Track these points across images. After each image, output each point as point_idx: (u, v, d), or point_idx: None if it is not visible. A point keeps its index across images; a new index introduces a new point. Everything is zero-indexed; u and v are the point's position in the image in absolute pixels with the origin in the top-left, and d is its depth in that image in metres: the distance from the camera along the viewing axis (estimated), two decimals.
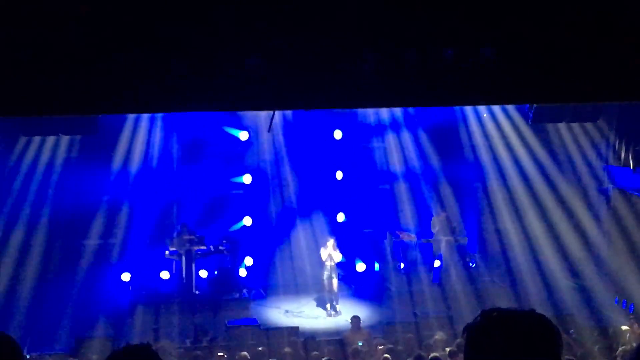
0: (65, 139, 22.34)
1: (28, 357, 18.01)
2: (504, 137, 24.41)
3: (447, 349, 17.93)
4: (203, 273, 24.14)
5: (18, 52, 5.68)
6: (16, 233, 22.50)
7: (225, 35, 5.90)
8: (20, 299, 21.45)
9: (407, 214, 25.37)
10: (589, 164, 24.52)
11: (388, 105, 17.07)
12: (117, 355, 4.39)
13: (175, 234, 23.58)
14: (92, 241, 23.51)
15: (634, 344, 16.43)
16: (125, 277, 23.54)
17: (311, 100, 6.44)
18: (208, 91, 6.04)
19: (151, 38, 5.85)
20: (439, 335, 18.77)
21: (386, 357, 16.95)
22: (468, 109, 24.39)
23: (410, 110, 24.54)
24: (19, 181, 22.60)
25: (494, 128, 24.47)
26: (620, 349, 17.14)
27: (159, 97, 6.09)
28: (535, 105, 21.09)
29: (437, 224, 24.72)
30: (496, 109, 24.02)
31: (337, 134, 25.22)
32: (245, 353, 17.59)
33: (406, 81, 6.14)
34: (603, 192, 24.57)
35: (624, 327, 19.02)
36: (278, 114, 22.98)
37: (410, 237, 25.13)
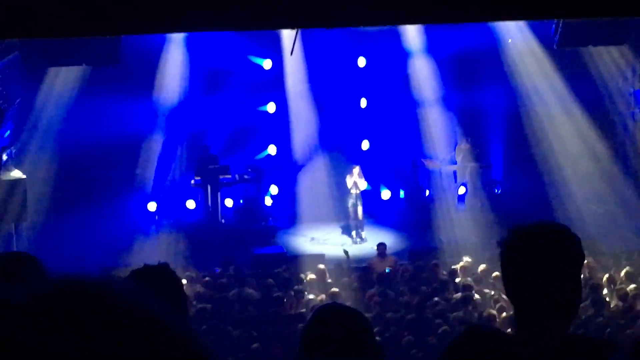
0: (90, 70, 22.30)
1: None
2: (528, 62, 24.20)
3: (473, 274, 18.05)
4: (229, 202, 24.26)
5: None
6: (43, 164, 22.58)
7: None
8: (47, 229, 21.60)
9: (432, 141, 25.30)
10: (615, 88, 24.31)
11: (406, 22, 16.87)
12: (137, 273, 4.41)
13: (197, 159, 23.64)
14: (118, 171, 23.58)
15: None
16: (152, 206, 23.68)
17: (332, 19, 6.36)
18: (228, 9, 5.98)
19: None
20: (465, 262, 18.83)
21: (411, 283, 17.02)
22: (492, 35, 24.15)
23: (435, 36, 24.33)
24: (45, 112, 22.63)
25: (519, 53, 24.26)
26: None
27: (177, 16, 6.04)
28: (560, 28, 20.81)
29: (461, 151, 24.67)
30: (521, 33, 23.77)
31: (361, 61, 25.11)
32: (271, 280, 17.73)
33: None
34: (630, 116, 24.38)
35: None
36: (301, 42, 22.85)
37: (435, 165, 25.10)
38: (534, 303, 3.47)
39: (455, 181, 24.79)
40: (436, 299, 16.50)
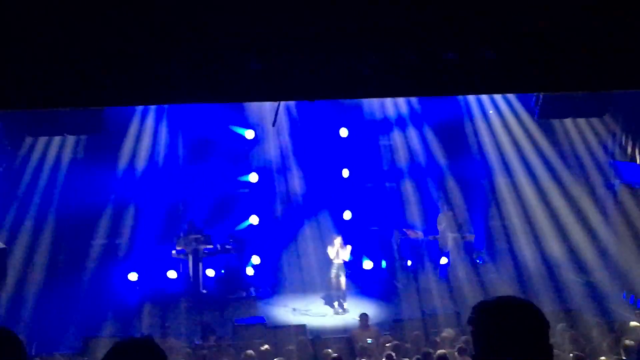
0: (71, 139, 22.35)
1: (38, 359, 17.96)
2: (510, 133, 24.36)
3: (455, 346, 17.94)
4: (210, 272, 24.17)
5: (23, 44, 5.68)
6: (23, 233, 22.49)
7: (227, 28, 5.91)
8: (27, 299, 21.45)
9: (414, 211, 25.34)
10: (595, 160, 24.44)
11: (388, 95, 17.04)
12: (120, 346, 4.38)
13: (182, 233, 23.61)
14: (99, 241, 23.53)
15: None
16: (133, 276, 23.58)
17: (312, 92, 6.43)
18: (210, 83, 6.03)
19: (153, 29, 5.87)
20: (447, 332, 18.74)
21: (389, 354, 16.89)
22: (474, 105, 24.36)
23: (416, 106, 24.54)
24: (26, 181, 22.61)
25: (500, 124, 24.43)
26: (627, 342, 17.07)
27: (161, 89, 6.08)
28: (541, 100, 20.96)
29: (443, 220, 24.70)
30: (502, 105, 23.98)
31: (343, 132, 25.22)
32: (251, 351, 17.57)
33: (406, 74, 6.13)
34: (610, 187, 24.51)
35: (634, 323, 18.91)
36: (284, 112, 22.97)
37: (417, 235, 25.11)
38: None
39: (438, 251, 24.77)
40: None
